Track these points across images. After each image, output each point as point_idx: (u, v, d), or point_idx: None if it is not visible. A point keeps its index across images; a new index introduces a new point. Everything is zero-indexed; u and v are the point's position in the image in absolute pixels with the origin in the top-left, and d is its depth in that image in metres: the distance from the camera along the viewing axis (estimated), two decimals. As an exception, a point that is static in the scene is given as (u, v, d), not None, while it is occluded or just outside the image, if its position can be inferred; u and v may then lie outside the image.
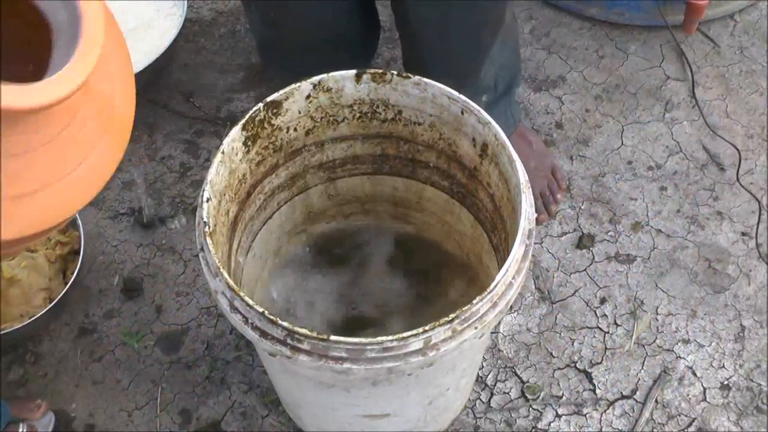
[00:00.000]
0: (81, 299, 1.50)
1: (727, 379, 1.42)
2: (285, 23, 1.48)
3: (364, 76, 1.10)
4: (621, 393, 1.41)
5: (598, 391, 1.41)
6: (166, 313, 1.49)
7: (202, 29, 1.89)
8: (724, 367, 1.44)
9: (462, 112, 1.09)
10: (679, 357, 1.44)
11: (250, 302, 0.92)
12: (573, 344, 1.46)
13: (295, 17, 1.45)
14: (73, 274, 1.41)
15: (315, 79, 1.10)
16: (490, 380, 1.42)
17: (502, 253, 1.14)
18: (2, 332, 1.34)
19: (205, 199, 0.99)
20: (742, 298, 1.51)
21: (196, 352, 1.44)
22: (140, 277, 1.52)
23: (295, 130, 1.15)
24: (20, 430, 1.28)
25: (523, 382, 1.42)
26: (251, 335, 0.92)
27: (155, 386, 1.41)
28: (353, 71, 1.10)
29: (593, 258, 1.56)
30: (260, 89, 1.78)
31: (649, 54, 1.84)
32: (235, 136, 1.06)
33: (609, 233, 1.59)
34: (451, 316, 0.90)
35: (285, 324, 0.90)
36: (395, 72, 1.10)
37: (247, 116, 1.07)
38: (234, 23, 1.90)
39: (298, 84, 1.10)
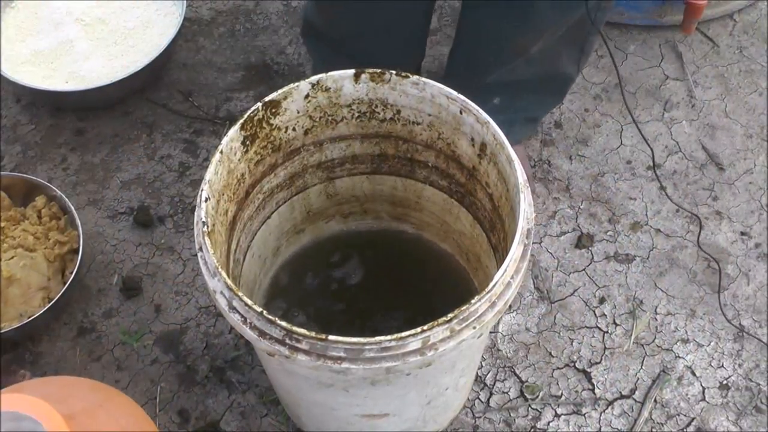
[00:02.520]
0: (80, 299, 1.50)
1: (726, 379, 1.42)
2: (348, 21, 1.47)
3: (363, 76, 1.10)
4: (620, 393, 1.41)
5: (597, 390, 1.41)
6: (165, 312, 1.49)
7: (202, 29, 1.89)
8: (723, 366, 1.44)
9: (461, 112, 1.09)
10: (678, 356, 1.44)
11: (249, 302, 0.92)
12: (572, 344, 1.46)
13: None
14: (72, 273, 1.41)
15: (313, 78, 1.10)
16: (489, 380, 1.42)
17: (500, 253, 1.14)
18: (1, 332, 1.34)
19: (203, 198, 0.99)
20: (741, 297, 1.51)
21: (195, 351, 1.44)
22: (139, 277, 1.52)
23: (294, 129, 1.15)
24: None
25: (522, 381, 1.42)
26: (250, 335, 0.92)
27: (154, 385, 1.41)
28: (352, 71, 1.10)
29: (592, 257, 1.56)
30: (259, 89, 1.78)
31: (649, 54, 1.84)
32: (233, 135, 1.06)
33: (608, 233, 1.59)
34: (450, 315, 0.90)
35: (283, 324, 0.90)
36: (393, 71, 1.10)
37: (246, 116, 1.07)
38: (233, 22, 1.90)
39: (296, 84, 1.10)
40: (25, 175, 1.53)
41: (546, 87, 1.51)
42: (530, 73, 1.44)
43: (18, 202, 1.53)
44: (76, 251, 1.44)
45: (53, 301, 1.38)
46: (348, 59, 1.44)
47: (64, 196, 1.49)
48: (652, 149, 1.65)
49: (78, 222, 1.45)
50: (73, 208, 1.47)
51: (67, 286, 1.39)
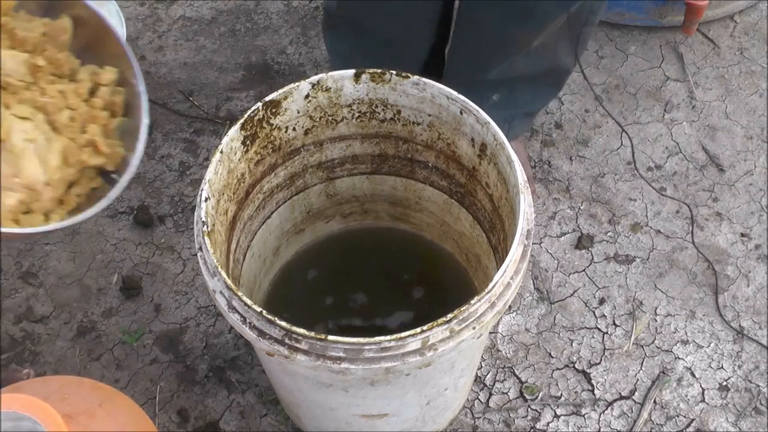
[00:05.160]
0: (80, 298, 1.50)
1: (726, 380, 1.42)
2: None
3: (363, 76, 1.10)
4: (620, 393, 1.41)
5: (596, 391, 1.41)
6: (164, 312, 1.49)
7: (202, 28, 1.89)
8: (722, 368, 1.44)
9: (461, 112, 1.09)
10: (678, 358, 1.44)
11: (248, 302, 0.92)
12: (572, 344, 1.46)
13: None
14: (89, 207, 0.96)
15: (314, 78, 1.10)
16: (488, 380, 1.42)
17: (500, 254, 1.14)
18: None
19: (203, 198, 0.99)
20: (741, 299, 1.51)
21: (194, 351, 1.44)
22: (139, 276, 1.52)
23: (294, 129, 1.15)
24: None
25: (521, 382, 1.42)
26: (249, 335, 0.92)
27: (154, 385, 1.41)
28: (352, 71, 1.10)
29: (592, 258, 1.56)
30: (259, 88, 1.78)
31: (649, 55, 1.84)
32: (233, 135, 1.06)
33: (608, 234, 1.59)
34: (449, 316, 0.90)
35: (283, 323, 0.90)
36: (394, 72, 1.10)
37: (246, 115, 1.07)
38: (234, 22, 1.90)
39: (296, 83, 1.10)
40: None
41: (544, 80, 1.50)
42: (529, 67, 1.44)
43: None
44: (109, 179, 0.96)
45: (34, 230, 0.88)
46: (367, 49, 1.44)
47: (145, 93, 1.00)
48: (630, 139, 1.66)
49: (140, 139, 0.96)
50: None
51: (72, 221, 0.92)
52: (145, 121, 0.95)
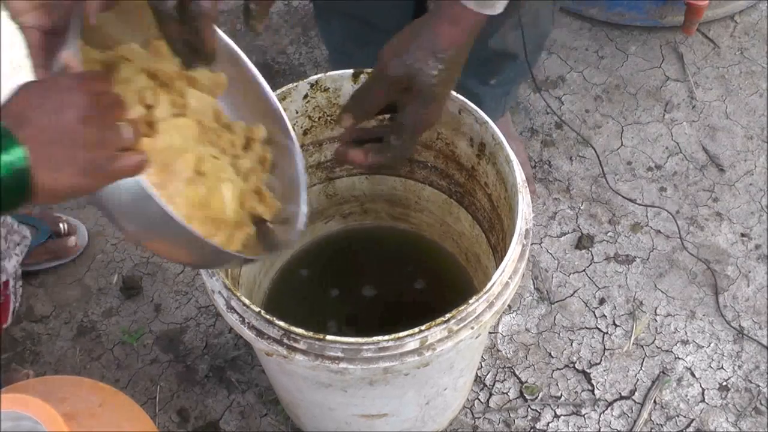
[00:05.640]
0: (80, 298, 1.50)
1: (726, 380, 1.42)
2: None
3: (362, 76, 1.10)
4: (620, 393, 1.41)
5: (596, 391, 1.41)
6: (164, 311, 1.49)
7: (203, 29, 1.89)
8: (722, 368, 1.43)
9: (459, 112, 1.09)
10: (678, 358, 1.44)
11: (247, 302, 0.92)
12: (572, 345, 1.46)
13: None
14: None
15: (312, 78, 1.10)
16: (488, 380, 1.42)
17: (499, 253, 1.14)
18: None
19: (202, 198, 0.99)
20: (741, 299, 1.51)
21: (194, 350, 1.44)
22: (139, 276, 1.52)
23: (293, 129, 1.15)
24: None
25: (521, 382, 1.42)
26: (248, 335, 0.93)
27: (154, 385, 1.41)
28: (351, 71, 1.10)
29: (592, 258, 1.56)
30: (260, 89, 1.78)
31: (649, 55, 1.84)
32: (233, 135, 1.06)
33: (608, 234, 1.59)
34: (448, 316, 0.90)
35: (281, 323, 0.90)
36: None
37: (245, 116, 1.06)
38: (234, 22, 1.90)
39: (295, 84, 1.10)
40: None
41: (530, 48, 1.48)
42: (519, 39, 1.43)
43: None
44: (262, 228, 0.92)
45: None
46: (356, 35, 1.43)
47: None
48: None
49: (303, 193, 0.95)
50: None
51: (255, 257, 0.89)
52: (303, 177, 0.95)
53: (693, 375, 1.43)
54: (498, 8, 0.90)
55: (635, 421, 1.38)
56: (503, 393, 1.41)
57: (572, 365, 1.44)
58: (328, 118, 1.16)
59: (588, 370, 1.43)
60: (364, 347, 0.89)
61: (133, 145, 0.70)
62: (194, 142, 0.85)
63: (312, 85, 1.10)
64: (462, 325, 0.91)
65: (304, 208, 0.93)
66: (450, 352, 0.93)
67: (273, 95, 0.97)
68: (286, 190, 0.95)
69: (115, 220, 0.76)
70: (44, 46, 0.75)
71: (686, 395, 1.41)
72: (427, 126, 0.95)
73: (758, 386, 1.41)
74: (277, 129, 0.96)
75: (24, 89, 0.65)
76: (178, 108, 0.84)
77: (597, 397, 1.41)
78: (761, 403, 1.40)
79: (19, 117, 0.63)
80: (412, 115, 0.92)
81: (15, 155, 0.62)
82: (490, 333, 1.46)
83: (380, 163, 0.97)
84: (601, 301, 1.51)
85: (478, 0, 0.89)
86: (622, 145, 1.70)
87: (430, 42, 0.89)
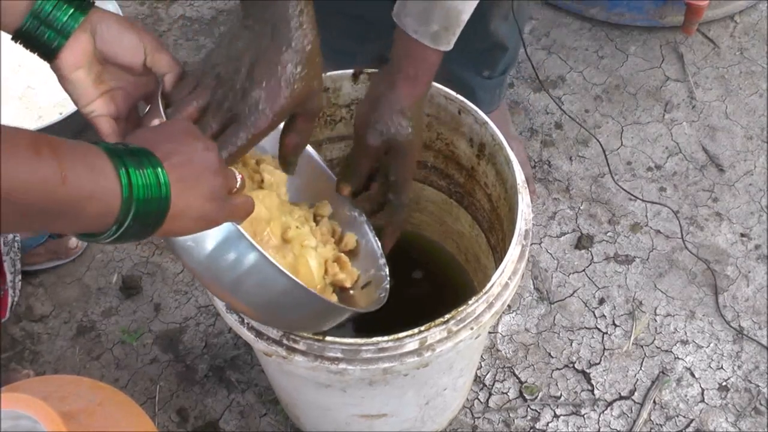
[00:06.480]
0: (80, 297, 1.50)
1: (726, 381, 1.42)
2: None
3: (362, 76, 1.10)
4: (619, 394, 1.41)
5: (596, 391, 1.41)
6: (164, 311, 1.49)
7: (202, 27, 1.89)
8: (722, 368, 1.43)
9: (459, 112, 1.09)
10: (678, 358, 1.44)
11: (246, 302, 0.92)
12: (571, 345, 1.46)
13: None
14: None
15: (312, 78, 1.10)
16: (488, 380, 1.42)
17: (499, 254, 1.14)
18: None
19: (202, 198, 0.99)
20: (741, 299, 1.51)
21: (194, 350, 1.44)
22: (139, 276, 1.52)
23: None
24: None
25: (521, 382, 1.42)
26: (247, 335, 0.92)
27: (153, 385, 1.41)
28: (350, 71, 1.10)
29: (592, 258, 1.56)
30: (260, 88, 1.78)
31: (649, 55, 1.84)
32: (232, 135, 1.05)
33: (608, 234, 1.59)
34: (447, 316, 0.90)
35: (281, 324, 0.90)
36: (393, 72, 1.09)
37: (245, 116, 1.06)
38: (234, 21, 1.90)
39: (295, 84, 1.09)
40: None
41: (516, 39, 1.49)
42: (509, 31, 1.42)
43: None
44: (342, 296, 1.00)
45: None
46: (348, 30, 1.43)
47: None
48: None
49: (383, 262, 1.07)
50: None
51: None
52: (377, 244, 1.08)
53: (693, 375, 1.43)
54: (451, 44, 0.97)
55: (635, 421, 1.38)
56: (503, 393, 1.41)
57: (572, 365, 1.44)
58: (328, 118, 1.16)
59: (587, 370, 1.43)
60: (364, 348, 0.89)
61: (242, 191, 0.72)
62: (277, 211, 0.91)
63: (312, 85, 1.10)
64: (461, 325, 0.91)
65: (386, 271, 1.05)
66: (449, 352, 0.93)
67: (331, 173, 1.07)
68: (359, 258, 1.05)
69: (233, 293, 0.79)
70: (119, 132, 0.79)
71: (686, 395, 1.41)
72: (412, 174, 1.03)
73: (758, 386, 1.41)
74: (339, 202, 1.06)
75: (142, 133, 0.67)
76: (255, 183, 0.91)
77: (596, 397, 1.41)
78: (761, 404, 1.40)
79: (147, 143, 0.63)
80: (401, 170, 1.01)
81: (165, 177, 0.61)
82: (489, 333, 1.46)
83: (394, 226, 1.08)
84: (601, 301, 1.51)
85: (433, 37, 0.95)
86: (622, 145, 1.70)
87: (396, 103, 0.97)
